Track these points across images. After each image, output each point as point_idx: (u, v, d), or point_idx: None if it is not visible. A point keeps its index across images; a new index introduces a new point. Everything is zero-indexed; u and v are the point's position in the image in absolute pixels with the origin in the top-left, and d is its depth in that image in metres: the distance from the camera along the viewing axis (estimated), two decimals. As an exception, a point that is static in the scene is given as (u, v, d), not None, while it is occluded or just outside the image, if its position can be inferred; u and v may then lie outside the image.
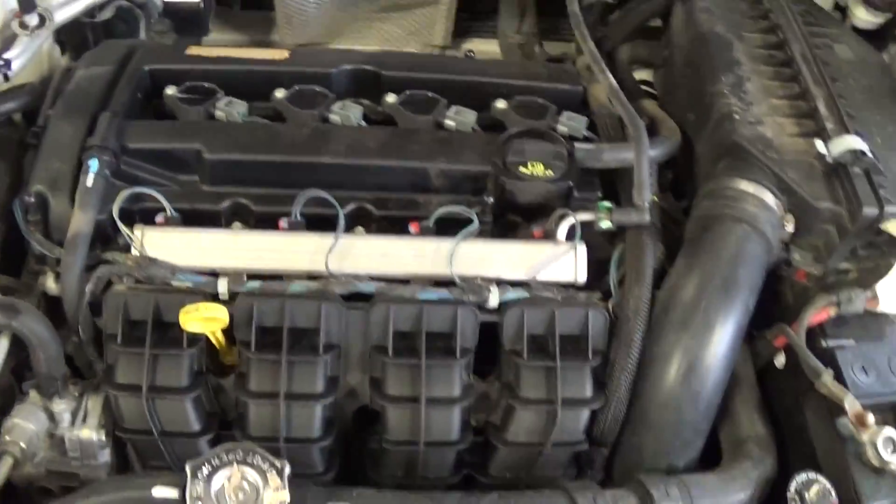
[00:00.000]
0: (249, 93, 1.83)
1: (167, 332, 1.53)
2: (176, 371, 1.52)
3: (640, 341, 1.59)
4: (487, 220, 1.68)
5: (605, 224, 1.66)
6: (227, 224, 1.67)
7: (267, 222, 1.64)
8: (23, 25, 1.84)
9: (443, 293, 1.57)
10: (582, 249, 1.64)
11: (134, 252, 1.57)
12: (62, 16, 1.98)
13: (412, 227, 1.64)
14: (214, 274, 1.56)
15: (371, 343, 1.57)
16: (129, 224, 1.58)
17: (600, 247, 1.69)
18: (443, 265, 1.59)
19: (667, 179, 1.92)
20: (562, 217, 1.65)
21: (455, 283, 1.58)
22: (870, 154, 1.66)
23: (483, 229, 1.64)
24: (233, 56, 1.91)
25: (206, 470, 1.32)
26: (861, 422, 1.52)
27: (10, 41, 1.82)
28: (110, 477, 1.59)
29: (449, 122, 1.82)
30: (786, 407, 1.70)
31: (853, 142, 1.67)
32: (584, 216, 1.66)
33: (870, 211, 1.59)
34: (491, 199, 1.68)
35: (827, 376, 1.57)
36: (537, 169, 1.68)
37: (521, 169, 1.68)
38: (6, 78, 1.80)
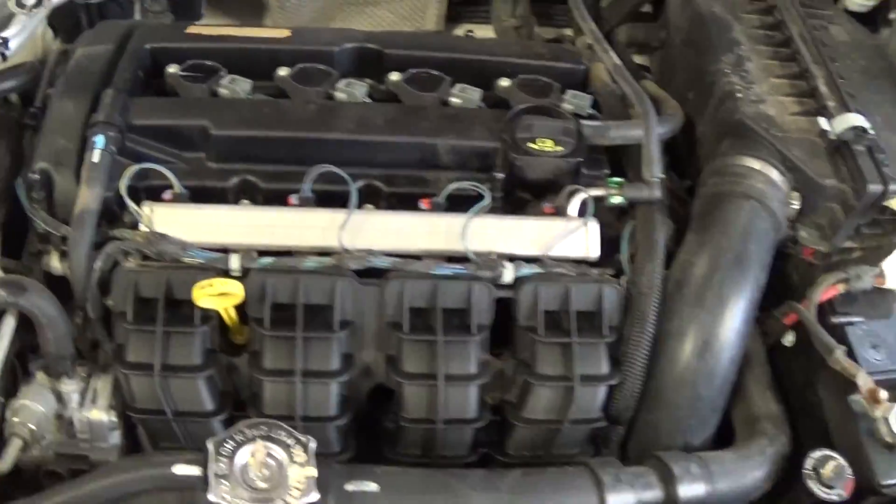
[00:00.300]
0: (252, 71, 1.79)
1: (178, 310, 1.50)
2: (188, 349, 1.49)
3: (655, 317, 1.58)
4: (497, 196, 1.66)
5: (617, 199, 1.66)
6: (234, 201, 1.64)
7: (275, 199, 1.62)
8: (20, 4, 1.80)
9: (458, 268, 1.55)
10: (594, 225, 1.63)
11: (143, 228, 1.53)
12: (58, -5, 1.94)
13: (423, 204, 1.62)
14: (225, 250, 1.53)
15: (386, 319, 1.55)
16: (135, 202, 1.55)
17: (609, 225, 1.68)
18: (455, 241, 1.57)
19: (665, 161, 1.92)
20: (573, 193, 1.64)
21: (468, 258, 1.56)
22: (871, 132, 1.67)
23: (493, 206, 1.63)
24: (234, 35, 1.88)
25: (229, 446, 1.30)
26: (874, 398, 1.52)
27: (6, 20, 1.78)
28: (128, 456, 1.56)
29: (454, 100, 1.80)
30: (796, 385, 1.70)
31: (856, 119, 1.68)
32: (596, 192, 1.65)
33: (874, 188, 1.60)
34: (501, 175, 1.67)
35: (839, 352, 1.58)
36: (547, 145, 1.67)
37: (531, 145, 1.67)
38: (4, 57, 1.76)
